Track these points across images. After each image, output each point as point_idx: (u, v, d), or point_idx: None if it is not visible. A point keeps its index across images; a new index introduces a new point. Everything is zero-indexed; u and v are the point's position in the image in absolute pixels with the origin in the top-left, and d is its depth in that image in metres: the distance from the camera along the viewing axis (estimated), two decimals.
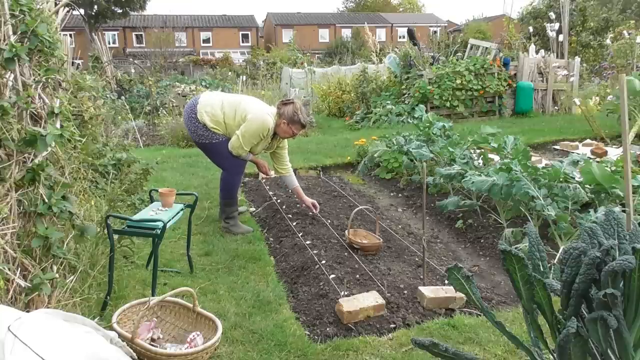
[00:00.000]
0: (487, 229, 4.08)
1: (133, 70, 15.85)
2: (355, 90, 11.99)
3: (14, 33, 2.26)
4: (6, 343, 1.45)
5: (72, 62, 6.46)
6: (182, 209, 3.14)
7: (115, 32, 39.96)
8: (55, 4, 2.74)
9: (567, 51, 12.26)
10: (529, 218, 3.74)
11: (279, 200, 4.85)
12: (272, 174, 4.59)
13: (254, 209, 4.76)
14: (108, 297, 2.71)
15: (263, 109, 4.00)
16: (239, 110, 3.92)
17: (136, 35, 40.02)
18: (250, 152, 4.05)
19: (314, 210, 4.25)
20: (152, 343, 2.31)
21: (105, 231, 2.80)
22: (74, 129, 2.88)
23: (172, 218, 2.98)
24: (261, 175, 5.17)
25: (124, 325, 2.36)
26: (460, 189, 4.81)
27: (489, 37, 22.78)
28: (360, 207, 3.93)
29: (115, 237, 2.91)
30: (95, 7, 30.54)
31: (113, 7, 31.00)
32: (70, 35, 29.88)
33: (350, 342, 2.49)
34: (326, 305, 2.83)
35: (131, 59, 20.79)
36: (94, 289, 2.65)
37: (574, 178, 3.93)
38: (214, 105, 3.95)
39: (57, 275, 2.22)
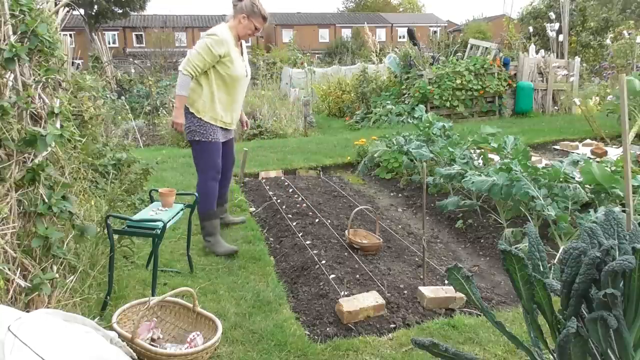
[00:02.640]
0: (487, 229, 4.08)
1: (133, 70, 15.84)
2: (355, 90, 12.00)
3: (14, 33, 2.26)
4: (6, 343, 1.45)
5: (72, 62, 6.46)
6: (182, 209, 3.15)
7: (115, 32, 39.95)
8: (55, 4, 2.74)
9: (567, 51, 12.27)
10: (529, 218, 3.74)
11: (279, 200, 4.85)
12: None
13: (254, 209, 4.76)
14: (108, 297, 2.71)
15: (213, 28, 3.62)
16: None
17: (136, 35, 40.01)
18: (234, 76, 3.59)
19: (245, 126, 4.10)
20: (152, 343, 2.31)
21: (105, 231, 2.80)
22: (74, 129, 2.88)
23: (172, 218, 2.98)
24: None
25: (124, 325, 2.36)
26: (460, 189, 4.81)
27: (489, 37, 22.79)
28: (360, 207, 3.93)
29: (115, 237, 2.91)
30: (95, 7, 30.53)
31: (113, 7, 30.98)
32: (70, 35, 29.86)
33: (350, 342, 2.49)
34: (326, 305, 2.83)
35: (131, 59, 20.79)
36: (94, 289, 2.65)
37: (574, 178, 3.93)
38: (190, 83, 3.59)
39: (57, 275, 2.22)
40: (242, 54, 3.71)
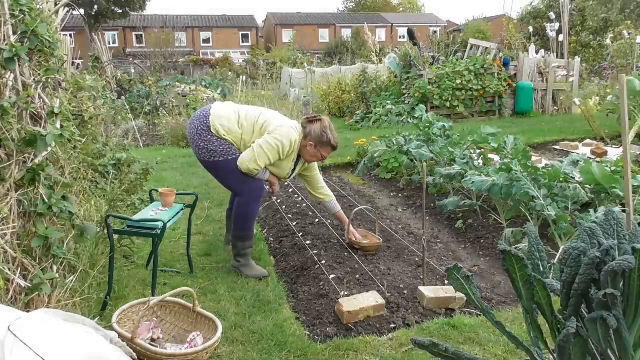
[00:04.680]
0: (487, 229, 4.08)
1: (133, 70, 15.86)
2: (355, 90, 12.00)
3: (14, 33, 2.26)
4: (6, 343, 1.45)
5: (72, 62, 6.47)
6: (182, 209, 3.15)
7: (115, 32, 39.96)
8: (55, 4, 2.74)
9: (567, 51, 12.27)
10: (529, 218, 3.74)
11: (279, 200, 4.85)
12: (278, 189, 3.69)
13: None
14: (108, 297, 2.71)
15: (287, 122, 3.35)
16: (258, 123, 3.28)
17: (136, 35, 40.03)
18: (275, 172, 3.40)
19: (363, 242, 3.59)
20: (152, 343, 2.31)
21: (105, 231, 2.80)
22: (74, 129, 2.88)
23: (172, 218, 2.98)
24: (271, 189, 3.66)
25: (124, 325, 2.36)
26: (460, 189, 4.81)
27: (489, 37, 22.79)
28: (360, 207, 3.93)
29: (115, 237, 2.91)
30: (95, 7, 30.54)
31: (113, 7, 30.98)
32: (70, 35, 29.89)
33: (350, 342, 2.49)
34: (326, 305, 2.83)
35: (131, 59, 20.79)
36: (94, 289, 2.65)
37: (574, 178, 3.93)
38: (230, 118, 3.27)
39: (57, 275, 2.22)
40: (292, 167, 3.44)
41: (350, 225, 3.64)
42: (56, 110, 2.34)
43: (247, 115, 3.31)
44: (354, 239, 3.60)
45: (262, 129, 3.27)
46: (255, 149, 3.19)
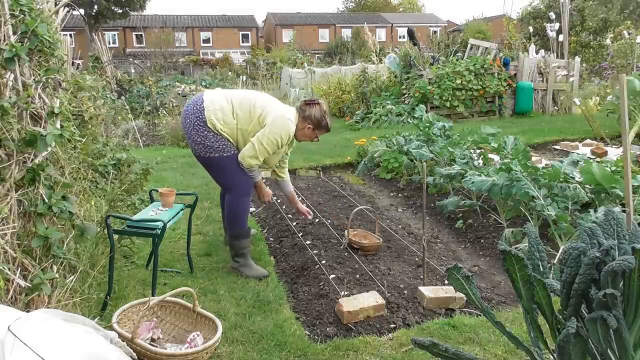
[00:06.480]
0: (487, 229, 4.08)
1: (133, 70, 15.85)
2: (355, 90, 12.00)
3: (14, 33, 2.26)
4: (6, 343, 1.45)
5: (72, 62, 6.47)
6: (182, 209, 3.15)
7: (115, 32, 39.94)
8: (55, 4, 2.74)
9: (567, 51, 12.27)
10: (529, 218, 3.74)
11: (279, 200, 4.85)
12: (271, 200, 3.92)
13: (254, 209, 4.76)
14: (108, 297, 2.71)
15: (284, 113, 3.31)
16: (254, 113, 3.27)
17: (136, 35, 40.01)
18: (265, 162, 3.43)
19: (309, 217, 3.92)
20: (152, 343, 2.31)
21: (105, 231, 2.80)
22: (74, 129, 2.88)
23: (172, 218, 2.98)
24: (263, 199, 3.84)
25: (124, 325, 2.36)
26: (460, 189, 4.81)
27: (489, 37, 22.78)
28: (360, 207, 3.92)
29: (115, 237, 2.91)
30: (95, 7, 30.53)
31: (113, 7, 30.98)
32: (70, 35, 29.89)
33: (350, 342, 2.49)
34: (326, 305, 2.83)
35: (131, 59, 20.79)
36: (94, 289, 2.65)
37: (574, 178, 3.93)
38: (224, 109, 3.24)
39: (57, 275, 2.22)
40: (286, 151, 3.57)
41: (298, 202, 3.86)
42: (56, 110, 2.34)
43: (241, 104, 3.30)
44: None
45: (260, 119, 3.27)
46: (256, 146, 3.24)
